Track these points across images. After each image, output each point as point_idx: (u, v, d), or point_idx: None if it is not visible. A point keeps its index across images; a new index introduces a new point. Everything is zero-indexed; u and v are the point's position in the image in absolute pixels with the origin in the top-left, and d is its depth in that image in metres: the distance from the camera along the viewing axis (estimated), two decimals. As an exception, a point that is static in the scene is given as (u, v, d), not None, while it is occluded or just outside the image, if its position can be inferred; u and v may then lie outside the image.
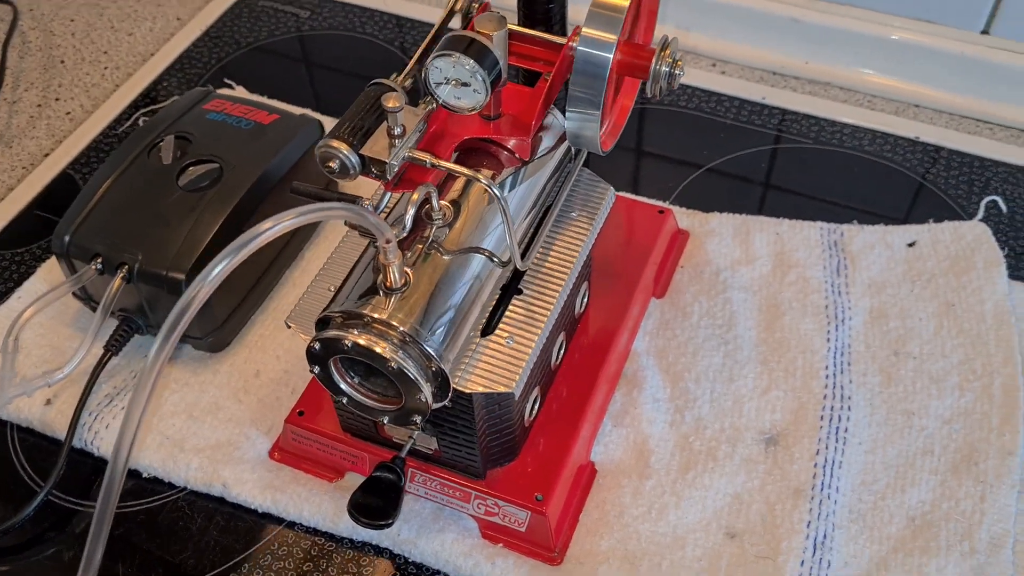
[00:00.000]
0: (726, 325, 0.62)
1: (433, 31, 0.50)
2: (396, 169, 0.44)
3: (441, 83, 0.44)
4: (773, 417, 0.58)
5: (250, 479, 0.56)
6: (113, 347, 0.60)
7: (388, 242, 0.42)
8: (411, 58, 0.49)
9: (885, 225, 0.67)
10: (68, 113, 0.80)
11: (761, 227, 0.68)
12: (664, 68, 0.48)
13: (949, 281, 0.64)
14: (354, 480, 0.56)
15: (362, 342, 0.43)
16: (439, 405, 0.45)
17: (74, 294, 0.63)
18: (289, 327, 0.49)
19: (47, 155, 0.76)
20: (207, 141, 0.63)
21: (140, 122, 0.78)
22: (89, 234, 0.59)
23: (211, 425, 0.58)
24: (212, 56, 0.83)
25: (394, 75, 0.48)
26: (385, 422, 0.47)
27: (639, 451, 0.57)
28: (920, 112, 0.76)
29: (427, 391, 0.44)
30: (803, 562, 0.52)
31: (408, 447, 0.51)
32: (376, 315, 0.44)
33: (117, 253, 0.58)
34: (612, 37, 0.45)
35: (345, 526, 0.54)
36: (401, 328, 0.43)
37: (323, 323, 0.46)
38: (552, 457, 0.53)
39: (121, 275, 0.58)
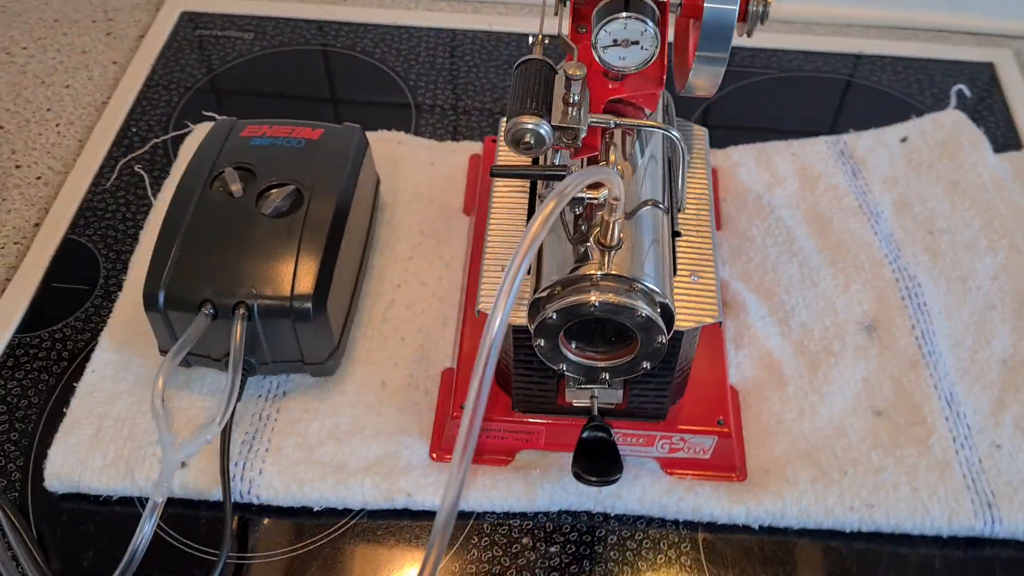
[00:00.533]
0: (787, 240, 0.68)
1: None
2: (584, 134, 0.46)
3: (609, 46, 0.47)
4: (863, 308, 0.64)
5: (428, 483, 0.56)
6: (239, 394, 0.57)
7: (616, 200, 0.44)
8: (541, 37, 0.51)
9: (876, 128, 0.75)
10: (39, 178, 0.73)
11: (777, 151, 0.74)
12: (760, 8, 0.52)
13: (946, 164, 0.73)
14: (526, 458, 0.57)
15: (610, 299, 0.45)
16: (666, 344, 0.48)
17: (161, 350, 0.59)
18: (481, 314, 0.49)
19: (37, 225, 0.70)
20: (270, 166, 0.61)
21: (137, 170, 0.73)
22: (188, 283, 0.56)
23: (363, 444, 0.57)
24: (172, 93, 0.79)
25: (534, 48, 0.50)
26: (608, 378, 0.49)
27: (768, 365, 0.62)
28: (854, 30, 0.86)
29: (666, 334, 0.46)
30: (947, 418, 0.58)
31: (596, 405, 0.53)
32: (605, 272, 0.45)
33: (228, 295, 0.55)
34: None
35: (542, 500, 0.55)
36: (632, 278, 0.45)
37: (538, 300, 0.47)
38: (713, 384, 0.57)
39: (241, 315, 0.55)
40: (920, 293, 0.65)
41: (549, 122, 0.45)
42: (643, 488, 0.55)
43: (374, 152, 0.67)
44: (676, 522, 0.56)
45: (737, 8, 0.48)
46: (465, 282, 0.64)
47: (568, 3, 0.53)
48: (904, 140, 0.75)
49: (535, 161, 0.53)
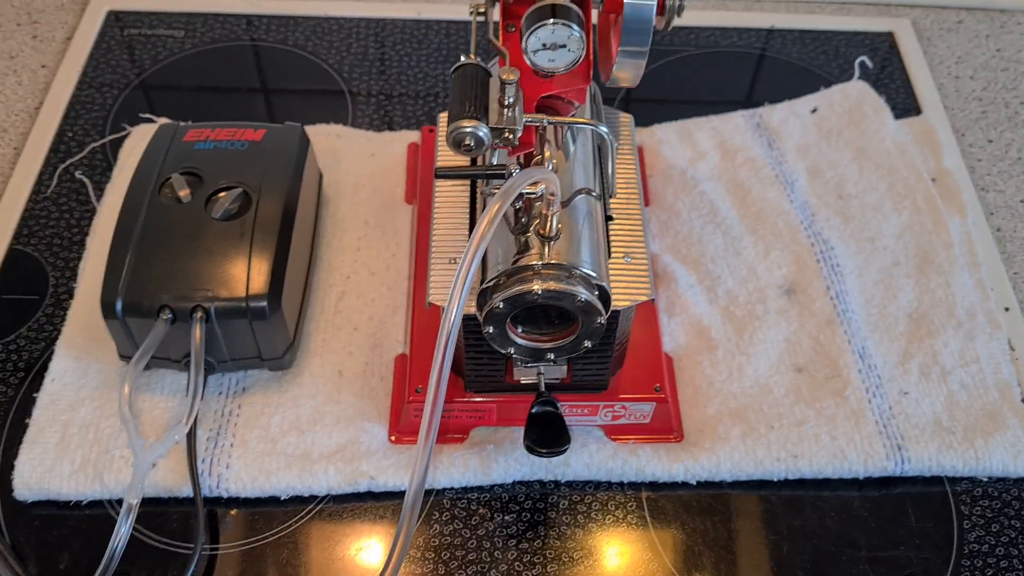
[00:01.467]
0: (711, 212, 0.73)
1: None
2: (520, 133, 0.49)
3: (539, 50, 0.50)
4: (782, 272, 0.69)
5: (389, 465, 0.59)
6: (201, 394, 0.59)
7: (553, 195, 0.48)
8: (475, 44, 0.54)
9: (788, 100, 0.80)
10: (-24, 189, 0.73)
11: (698, 127, 0.78)
12: (676, 2, 0.56)
13: (852, 131, 0.78)
14: (480, 435, 0.61)
15: (551, 286, 0.48)
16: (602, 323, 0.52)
17: (120, 355, 0.61)
18: (431, 304, 0.53)
19: (-20, 237, 0.70)
20: (216, 169, 0.63)
21: (78, 177, 0.74)
22: (145, 289, 0.58)
23: (324, 432, 0.60)
24: (105, 95, 0.80)
25: (466, 56, 0.53)
26: (552, 357, 0.53)
27: (698, 331, 0.66)
28: (765, 4, 0.90)
29: (604, 314, 0.50)
30: (859, 370, 0.64)
31: (543, 381, 0.57)
32: (545, 261, 0.49)
33: (186, 299, 0.57)
34: (652, -18, 0.52)
35: (497, 473, 0.59)
36: (571, 266, 0.49)
37: (485, 290, 0.50)
38: (649, 354, 0.62)
39: (199, 318, 0.57)
40: (833, 256, 0.70)
41: (487, 124, 0.48)
42: (590, 455, 0.60)
43: (314, 146, 0.70)
44: (621, 484, 0.60)
45: (655, 3, 0.51)
46: (412, 270, 0.68)
47: (497, 3, 0.56)
48: (814, 111, 0.80)
49: (474, 161, 0.57)
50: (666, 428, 0.61)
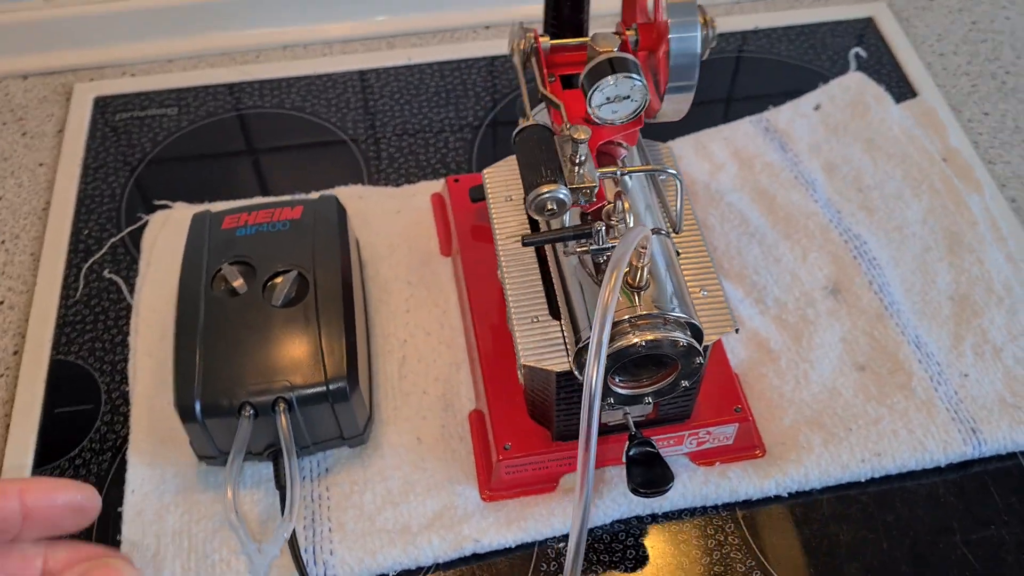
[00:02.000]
0: (742, 223, 0.74)
1: (522, 76, 0.55)
2: (596, 190, 0.50)
3: (603, 104, 0.50)
4: (823, 273, 0.71)
5: (489, 525, 0.59)
6: (282, 483, 0.58)
7: (644, 247, 0.48)
8: (526, 93, 0.54)
9: (791, 101, 0.82)
10: (1, 302, 0.71)
11: (709, 138, 0.80)
12: (710, 31, 0.57)
13: (859, 123, 0.80)
14: (570, 481, 0.61)
15: (650, 336, 0.49)
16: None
17: (198, 455, 0.60)
18: (524, 366, 0.53)
19: (16, 352, 0.68)
20: (265, 255, 0.62)
21: (106, 276, 0.72)
22: (222, 389, 0.57)
23: (418, 501, 0.60)
24: (112, 186, 0.78)
25: (524, 118, 0.53)
26: (650, 400, 0.53)
27: (756, 343, 0.67)
28: (745, 6, 0.92)
29: (702, 353, 0.51)
30: (919, 360, 0.66)
31: (631, 421, 0.58)
32: (640, 312, 0.49)
33: (266, 393, 0.56)
34: (695, 20, 0.53)
35: (597, 516, 0.60)
36: (665, 312, 0.50)
37: (582, 348, 0.51)
38: (721, 376, 0.63)
39: (282, 409, 0.57)
40: (868, 249, 0.72)
41: (566, 185, 0.49)
42: (683, 483, 0.61)
43: (343, 213, 0.69)
44: (716, 507, 0.61)
45: (698, 33, 0.52)
46: (466, 324, 0.67)
47: (540, 56, 0.56)
48: (818, 107, 0.81)
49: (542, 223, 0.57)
50: (749, 446, 0.62)
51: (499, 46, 0.88)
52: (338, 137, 0.81)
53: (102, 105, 0.84)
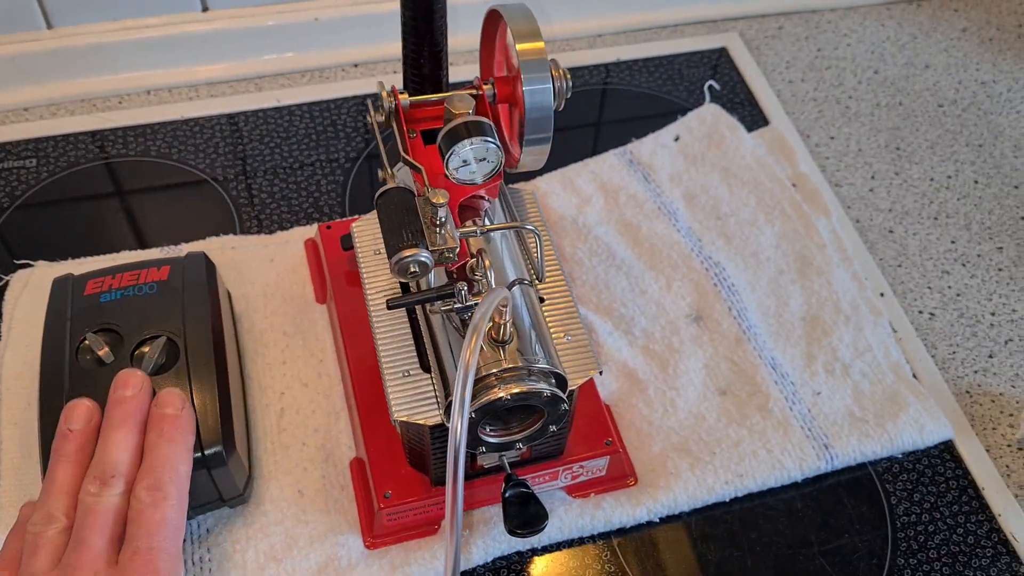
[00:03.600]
0: (609, 256, 0.77)
1: (378, 133, 0.56)
2: (458, 250, 0.51)
3: (460, 166, 0.52)
4: (687, 301, 0.75)
5: (375, 573, 0.60)
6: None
7: (505, 305, 0.50)
8: (385, 152, 0.55)
9: (653, 133, 0.85)
10: None
11: (576, 173, 0.82)
12: (564, 83, 0.59)
13: (715, 153, 0.84)
14: (451, 521, 0.63)
15: (516, 389, 0.51)
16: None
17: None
18: (398, 421, 0.54)
19: None
20: (132, 321, 0.61)
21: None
22: (92, 460, 0.56)
23: (302, 556, 0.61)
24: (-32, 245, 0.75)
25: (384, 174, 0.54)
26: (521, 446, 0.56)
27: (626, 375, 0.70)
28: (607, 39, 0.95)
29: (567, 400, 0.53)
30: (775, 381, 0.70)
31: (507, 462, 0.60)
32: (505, 366, 0.51)
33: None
34: (546, 75, 0.55)
35: (478, 555, 0.62)
36: (529, 364, 0.52)
37: (452, 402, 0.52)
38: (592, 410, 0.65)
39: (156, 477, 0.56)
40: (727, 276, 0.76)
41: (427, 247, 0.50)
42: (559, 517, 0.63)
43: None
44: (592, 536, 0.64)
45: (551, 87, 0.54)
46: (343, 372, 0.68)
47: (400, 116, 0.57)
48: (677, 139, 0.85)
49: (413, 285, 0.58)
50: (621, 475, 0.65)
51: (368, 84, 0.88)
52: (208, 183, 0.81)
53: (-46, 159, 0.81)
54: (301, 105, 0.87)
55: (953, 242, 0.82)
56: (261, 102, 0.87)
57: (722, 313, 0.74)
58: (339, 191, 0.81)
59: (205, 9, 0.86)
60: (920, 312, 0.77)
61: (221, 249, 0.75)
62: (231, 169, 0.82)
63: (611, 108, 0.89)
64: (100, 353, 0.59)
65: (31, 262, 0.74)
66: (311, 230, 0.77)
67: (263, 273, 0.74)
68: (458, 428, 0.45)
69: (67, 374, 0.59)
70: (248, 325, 0.71)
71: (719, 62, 0.93)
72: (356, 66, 0.90)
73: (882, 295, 0.77)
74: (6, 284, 0.73)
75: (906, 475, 0.68)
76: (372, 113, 0.57)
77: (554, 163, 0.82)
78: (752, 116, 0.89)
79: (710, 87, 0.90)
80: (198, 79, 0.87)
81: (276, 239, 0.77)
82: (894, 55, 0.96)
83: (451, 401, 0.52)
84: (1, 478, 0.63)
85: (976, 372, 0.74)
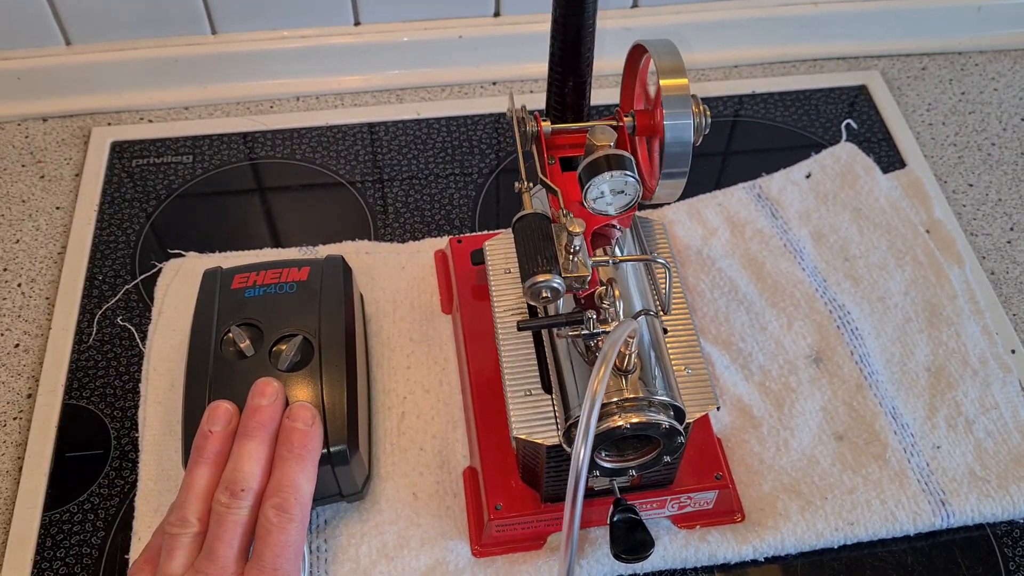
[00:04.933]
0: (732, 290, 0.77)
1: (520, 149, 0.58)
2: (590, 279, 0.53)
3: (598, 198, 0.53)
4: (807, 341, 0.74)
5: (480, 582, 0.62)
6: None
7: (632, 337, 0.51)
8: (524, 165, 0.57)
9: (784, 168, 0.85)
10: (17, 345, 0.74)
11: (704, 204, 0.83)
12: (703, 120, 0.60)
13: (848, 193, 0.83)
14: (556, 540, 0.64)
15: (635, 419, 0.52)
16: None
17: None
18: (516, 438, 0.56)
19: (30, 396, 0.71)
20: (272, 317, 0.65)
21: (119, 323, 0.75)
22: (229, 447, 0.60)
23: (412, 556, 0.63)
24: (127, 232, 0.81)
25: (521, 186, 0.56)
26: (634, 473, 0.57)
27: (740, 410, 0.70)
28: (743, 71, 0.95)
29: (683, 434, 0.54)
30: (894, 431, 0.69)
31: (617, 487, 0.61)
32: (627, 395, 0.53)
33: (270, 452, 0.60)
34: (688, 111, 0.56)
35: (583, 574, 0.63)
36: (650, 395, 0.53)
37: (574, 424, 0.54)
38: (704, 443, 0.65)
39: (285, 468, 0.59)
40: (851, 320, 0.75)
41: (560, 274, 0.52)
42: (664, 546, 0.64)
43: (348, 266, 0.72)
44: (695, 569, 0.64)
45: (691, 123, 0.55)
46: (463, 382, 0.70)
47: (541, 141, 0.59)
48: (809, 176, 0.85)
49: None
50: (729, 511, 0.65)
51: (505, 103, 0.91)
52: (346, 188, 0.85)
53: (119, 150, 0.87)
54: (439, 119, 0.90)
55: (1095, 302, 0.79)
56: (401, 113, 0.90)
57: (843, 356, 0.73)
58: (471, 205, 0.83)
59: (357, 23, 0.90)
60: (1054, 373, 0.75)
61: (356, 253, 0.78)
62: (369, 176, 0.85)
63: (740, 140, 0.89)
64: (242, 346, 0.63)
65: (183, 252, 0.79)
66: (441, 242, 0.80)
67: (394, 280, 0.77)
68: (581, 454, 0.46)
69: (211, 362, 0.63)
70: (376, 329, 0.74)
71: (857, 100, 0.92)
72: (495, 84, 0.93)
73: (1013, 352, 0.75)
74: (159, 271, 0.78)
75: (1027, 541, 0.66)
76: (513, 107, 0.59)
77: (686, 193, 0.83)
78: (888, 157, 0.87)
79: (847, 125, 0.89)
80: (344, 88, 0.92)
81: (408, 248, 0.80)
82: (1044, 103, 0.93)
83: (571, 423, 0.54)
84: (143, 452, 0.68)
85: (1111, 441, 0.71)
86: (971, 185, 0.86)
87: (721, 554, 0.64)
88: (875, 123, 0.90)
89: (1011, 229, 0.83)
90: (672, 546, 0.64)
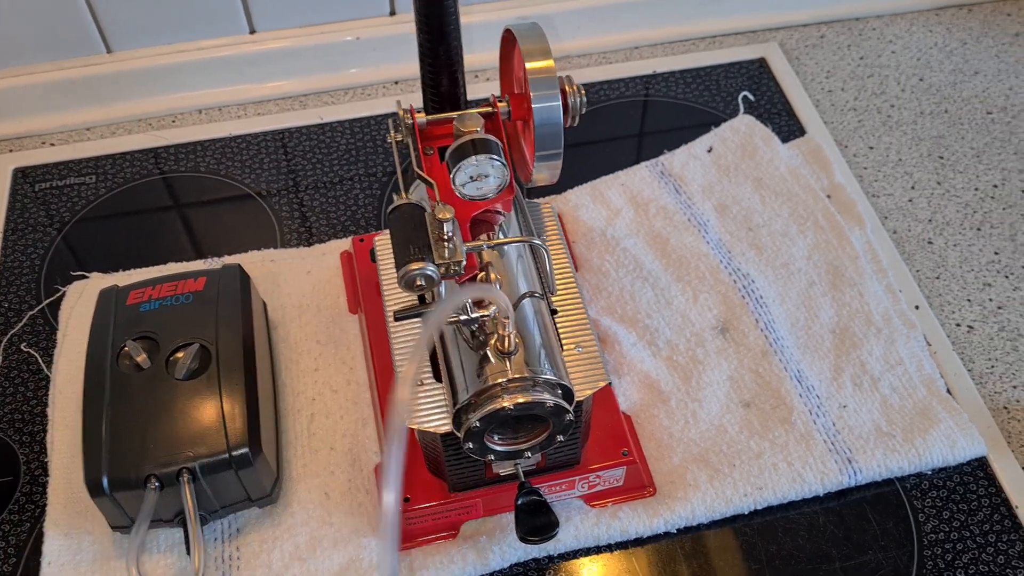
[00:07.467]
0: (636, 268, 0.78)
1: (397, 156, 0.58)
2: (464, 263, 0.53)
3: (466, 182, 0.54)
4: (713, 313, 0.75)
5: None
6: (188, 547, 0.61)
7: (506, 317, 0.51)
8: (401, 174, 0.57)
9: (685, 144, 0.86)
10: (-78, 380, 0.73)
11: (607, 185, 0.83)
12: (577, 99, 0.60)
13: (748, 164, 0.84)
14: (471, 527, 0.65)
15: (520, 399, 0.52)
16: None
17: (111, 525, 0.62)
18: (414, 428, 0.56)
19: (-62, 428, 0.71)
20: (168, 329, 0.65)
21: (24, 350, 0.74)
22: (128, 463, 0.59)
23: (325, 556, 0.63)
24: (31, 257, 0.80)
25: (399, 195, 0.56)
26: (530, 454, 0.57)
27: (648, 386, 0.71)
28: (644, 51, 0.96)
29: (571, 411, 0.54)
30: (800, 394, 0.70)
31: (522, 471, 0.61)
32: (511, 376, 0.53)
33: (170, 465, 0.59)
34: (555, 92, 0.56)
35: (495, 561, 0.63)
36: (533, 375, 0.53)
37: (459, 411, 0.54)
38: (610, 421, 0.66)
39: (186, 480, 0.59)
40: (755, 288, 0.76)
41: (433, 261, 0.52)
42: (575, 526, 0.64)
43: (252, 275, 0.72)
44: (608, 545, 0.65)
45: (559, 104, 0.56)
46: (371, 380, 0.70)
47: (416, 134, 0.59)
48: (710, 150, 0.85)
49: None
50: (639, 486, 0.66)
51: (408, 100, 0.91)
52: (253, 198, 0.84)
53: (21, 176, 0.86)
54: (343, 121, 0.90)
55: (997, 253, 0.80)
56: (304, 119, 0.90)
57: (749, 325, 0.74)
58: (376, 204, 0.83)
59: (253, 31, 0.89)
60: (958, 325, 0.76)
61: (261, 262, 0.78)
62: (275, 184, 0.85)
63: (647, 120, 0.90)
64: (138, 359, 0.63)
65: (87, 274, 0.78)
66: (347, 243, 0.80)
67: (300, 284, 0.77)
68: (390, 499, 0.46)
69: (108, 379, 0.62)
70: (284, 334, 0.74)
71: (757, 73, 0.93)
72: (396, 83, 0.93)
73: (917, 308, 0.76)
74: (63, 295, 0.77)
75: (935, 492, 0.67)
76: (392, 133, 0.59)
77: (591, 175, 0.84)
78: (789, 127, 0.88)
79: (744, 97, 0.90)
80: (245, 98, 0.91)
81: (314, 252, 0.80)
82: (941, 62, 0.94)
83: (459, 407, 0.54)
84: (52, 477, 0.67)
85: (1016, 387, 0.72)
86: (871, 148, 0.88)
87: (633, 529, 0.64)
88: (775, 94, 0.91)
89: (912, 188, 0.84)
90: (584, 525, 0.64)
